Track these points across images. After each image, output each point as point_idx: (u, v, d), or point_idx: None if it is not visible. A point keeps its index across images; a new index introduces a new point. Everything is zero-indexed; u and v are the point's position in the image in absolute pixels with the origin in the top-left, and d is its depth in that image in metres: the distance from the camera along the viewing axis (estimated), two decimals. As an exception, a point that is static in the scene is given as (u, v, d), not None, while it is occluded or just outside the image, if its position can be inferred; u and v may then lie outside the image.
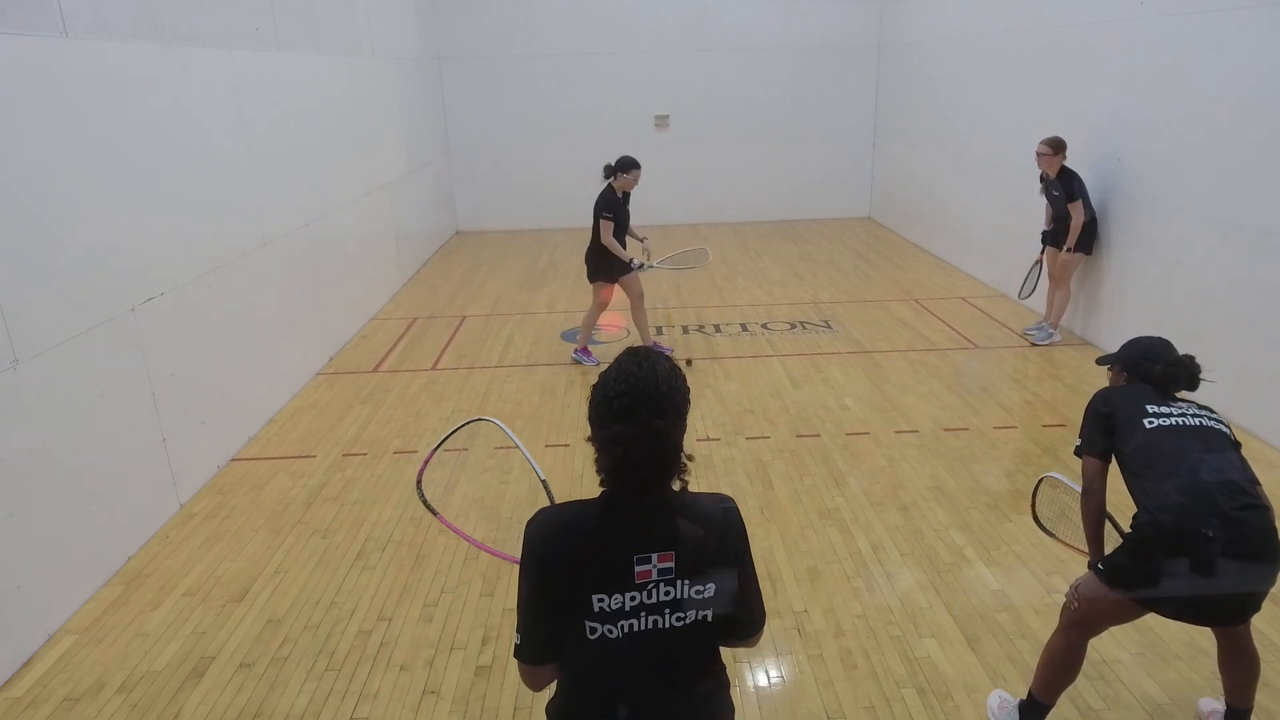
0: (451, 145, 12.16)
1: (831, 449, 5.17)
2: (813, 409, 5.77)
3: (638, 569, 1.64)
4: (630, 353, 1.67)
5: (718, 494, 1.78)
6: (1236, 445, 2.69)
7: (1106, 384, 3.00)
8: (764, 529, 4.30)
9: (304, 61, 6.72)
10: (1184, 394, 2.79)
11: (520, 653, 1.72)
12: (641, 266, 6.48)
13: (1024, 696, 2.95)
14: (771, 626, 3.56)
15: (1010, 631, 3.48)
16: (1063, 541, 3.16)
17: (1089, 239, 6.55)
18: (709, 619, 1.71)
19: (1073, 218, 6.42)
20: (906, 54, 11.12)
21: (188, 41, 4.94)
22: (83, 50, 3.99)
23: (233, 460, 5.22)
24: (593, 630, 1.66)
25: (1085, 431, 2.78)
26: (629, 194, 6.47)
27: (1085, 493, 2.77)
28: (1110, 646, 3.36)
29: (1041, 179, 6.72)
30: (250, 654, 3.49)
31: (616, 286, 6.53)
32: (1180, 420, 2.65)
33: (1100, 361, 3.02)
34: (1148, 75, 6.04)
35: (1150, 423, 2.65)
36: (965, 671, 3.28)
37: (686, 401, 1.65)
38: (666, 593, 1.66)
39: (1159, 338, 2.85)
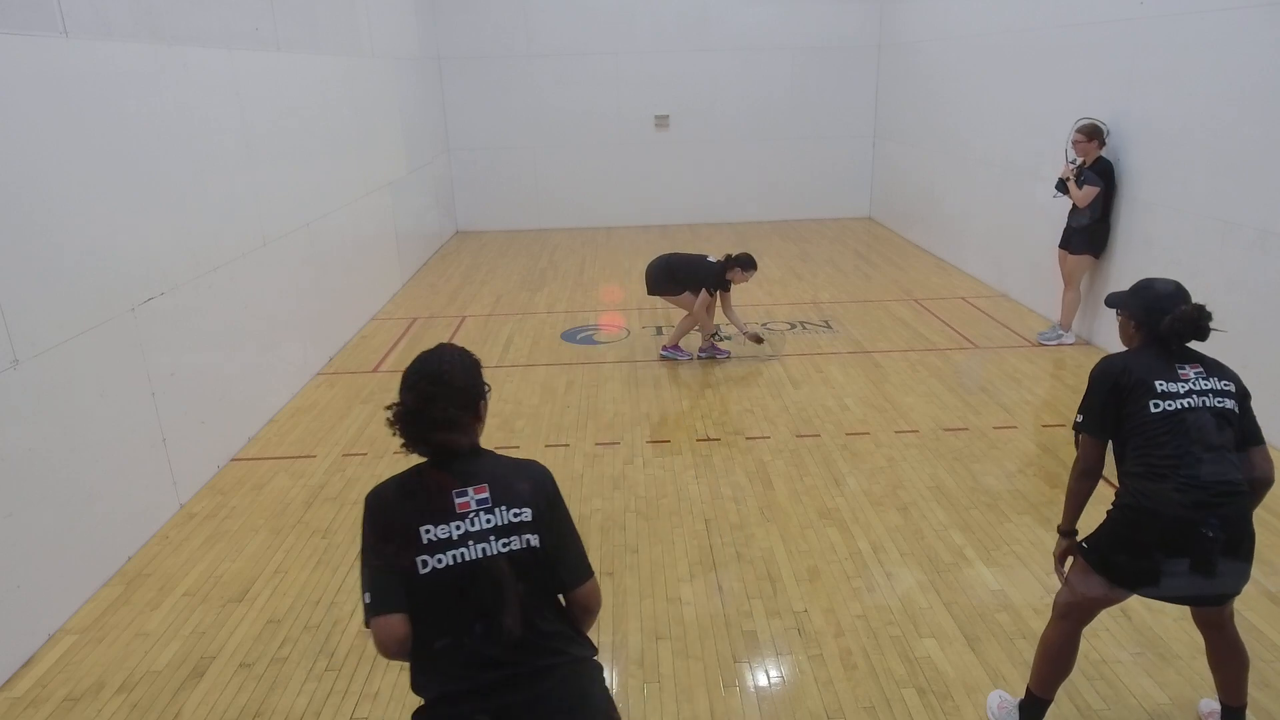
0: (451, 145, 12.16)
1: (831, 449, 5.17)
2: (813, 409, 5.77)
3: (457, 501, 1.91)
4: (434, 348, 2.07)
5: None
6: (1243, 410, 2.61)
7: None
8: (764, 529, 4.30)
9: (304, 61, 6.72)
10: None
11: (371, 608, 1.88)
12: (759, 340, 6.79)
13: (1024, 695, 2.95)
14: (771, 626, 3.56)
15: (1010, 631, 3.49)
16: None
17: (1100, 241, 6.53)
18: (536, 547, 1.92)
19: (1082, 193, 6.37)
20: (906, 54, 11.12)
21: (188, 41, 4.94)
22: (83, 50, 3.99)
23: (233, 460, 5.22)
24: (424, 564, 1.85)
25: (1090, 409, 2.67)
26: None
27: (1083, 473, 2.70)
28: (1110, 646, 3.36)
29: (1060, 179, 6.65)
30: (250, 654, 3.49)
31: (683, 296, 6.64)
32: (1186, 403, 2.54)
33: (1109, 302, 2.87)
34: (1148, 75, 6.04)
35: (1155, 406, 2.55)
36: (965, 671, 3.28)
37: (468, 376, 2.04)
38: (488, 520, 1.90)
39: (1171, 283, 2.70)
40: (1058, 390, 6.03)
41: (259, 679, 3.35)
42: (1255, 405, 2.45)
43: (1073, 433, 2.75)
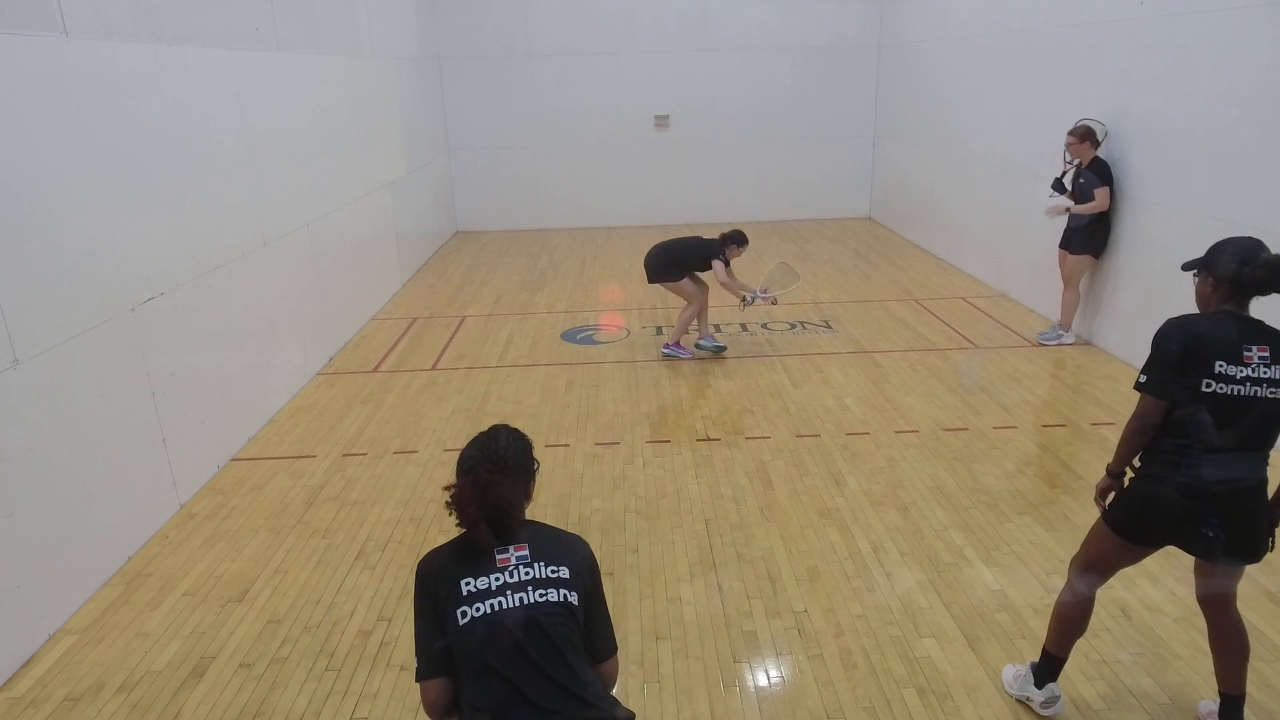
0: (451, 145, 12.16)
1: (831, 449, 5.17)
2: (813, 409, 5.77)
3: (498, 557, 2.00)
4: (488, 431, 2.12)
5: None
6: None
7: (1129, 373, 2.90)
8: (764, 529, 4.30)
9: (304, 61, 6.72)
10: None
11: (419, 672, 2.02)
12: (751, 301, 6.77)
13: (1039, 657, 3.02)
14: (771, 626, 3.56)
15: (1010, 631, 3.48)
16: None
17: (1100, 241, 6.53)
18: (573, 604, 2.00)
19: (1096, 199, 6.35)
20: (906, 54, 11.12)
21: (188, 41, 4.94)
22: (83, 50, 3.99)
23: (233, 460, 5.22)
24: (463, 614, 1.94)
25: (1153, 369, 2.62)
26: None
27: (1139, 430, 2.65)
28: (1110, 646, 3.36)
29: (1057, 178, 6.68)
30: (250, 654, 3.49)
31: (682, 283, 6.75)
32: (1239, 390, 2.50)
33: (1187, 265, 2.80)
34: (1148, 75, 6.04)
35: (1208, 386, 2.52)
36: (965, 671, 3.28)
37: (521, 458, 2.09)
38: (526, 572, 1.99)
39: (1250, 238, 2.64)
40: (1058, 390, 6.03)
41: (259, 679, 3.35)
42: None
43: (1136, 384, 2.69)
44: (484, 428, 2.16)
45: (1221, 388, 2.52)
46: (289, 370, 6.25)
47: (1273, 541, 2.68)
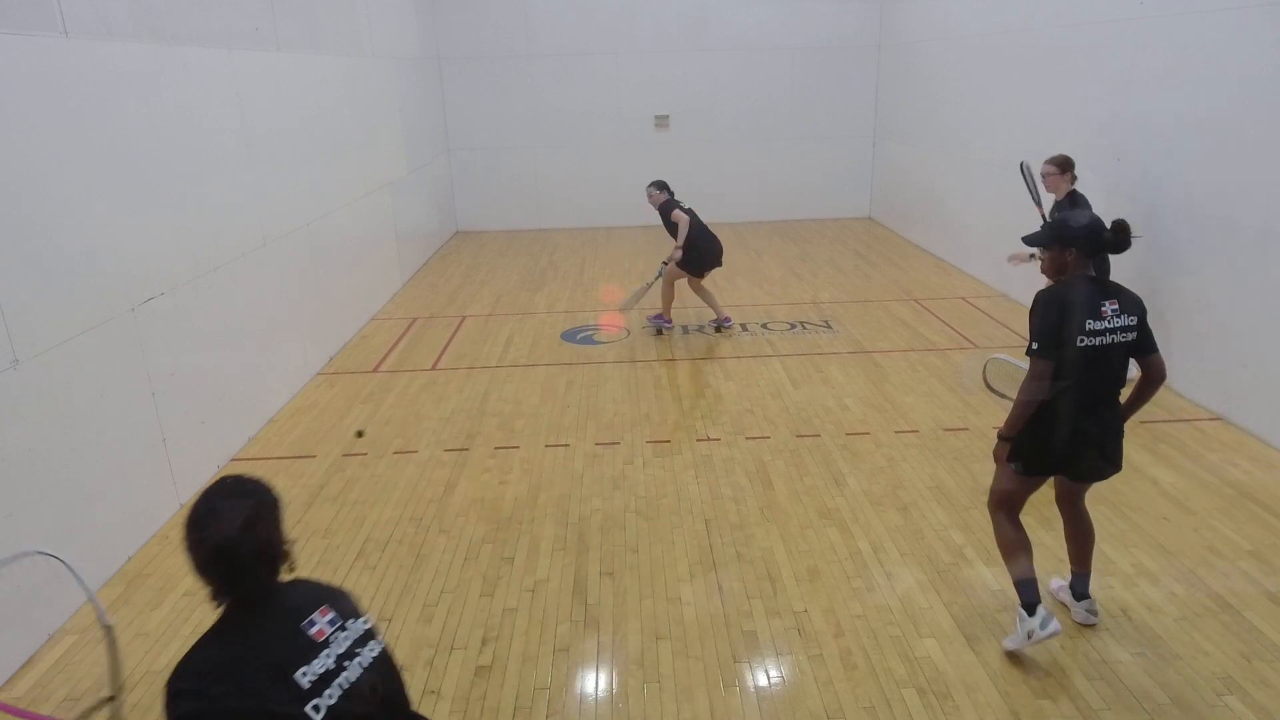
0: (451, 145, 12.16)
1: (831, 449, 5.17)
2: (813, 409, 5.77)
3: (311, 631, 1.71)
4: (218, 488, 1.80)
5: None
6: (1142, 329, 3.11)
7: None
8: (764, 529, 4.30)
9: (304, 61, 6.72)
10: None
11: None
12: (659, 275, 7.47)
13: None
14: (771, 626, 3.56)
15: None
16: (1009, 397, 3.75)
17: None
18: (388, 654, 1.82)
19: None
20: (906, 54, 11.12)
21: (188, 41, 4.94)
22: (83, 50, 3.99)
23: (233, 460, 5.22)
24: (317, 709, 1.64)
25: (1041, 337, 3.07)
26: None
27: (1038, 390, 3.09)
28: (1110, 646, 3.36)
29: (1036, 200, 6.35)
30: (250, 654, 3.49)
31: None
32: (1102, 340, 3.06)
33: (1037, 240, 3.24)
34: (1148, 75, 6.04)
35: (1082, 341, 3.04)
36: (965, 671, 3.28)
37: (266, 513, 1.84)
38: (345, 637, 1.75)
39: (1083, 210, 3.28)
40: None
41: (259, 679, 3.35)
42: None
43: (1028, 350, 3.12)
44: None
45: (1089, 340, 3.05)
46: (289, 370, 6.25)
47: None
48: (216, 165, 5.24)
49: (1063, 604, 3.59)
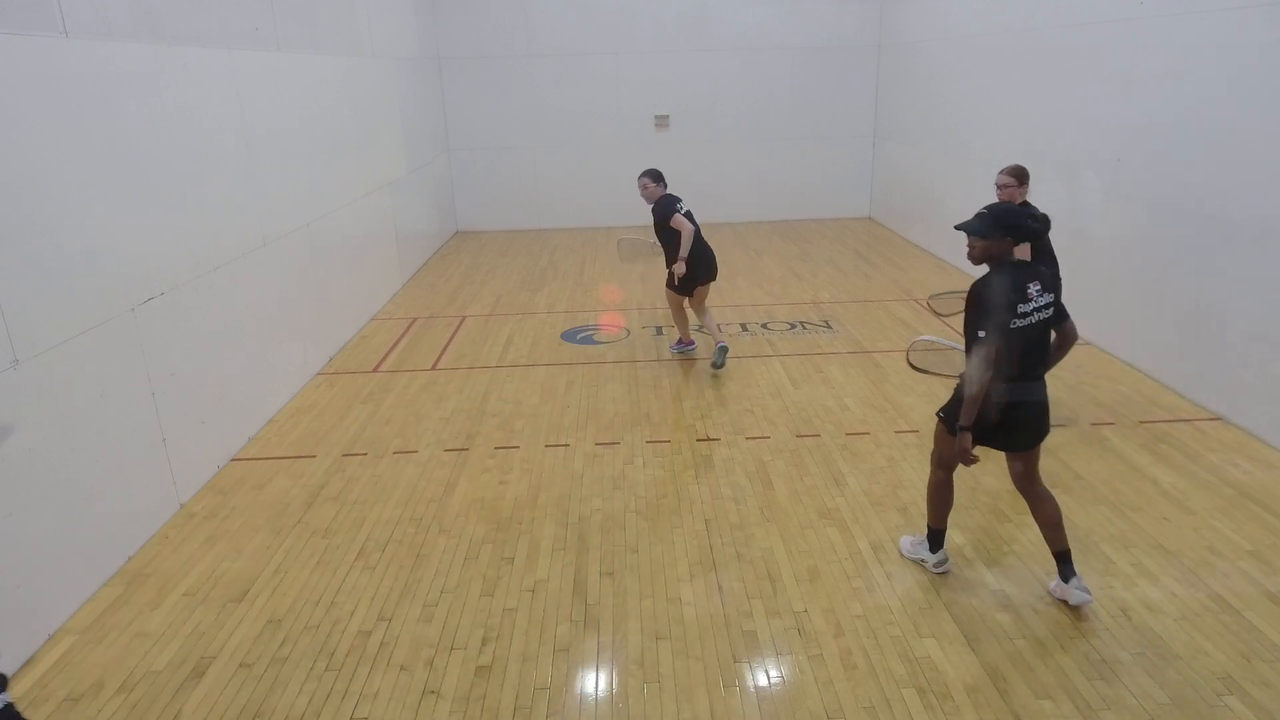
0: (451, 145, 12.16)
1: (831, 449, 5.17)
2: (813, 409, 5.77)
3: None
4: None
5: None
6: (1058, 303, 3.44)
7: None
8: (764, 529, 4.30)
9: (304, 61, 6.72)
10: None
11: None
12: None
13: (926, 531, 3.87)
14: (771, 626, 3.57)
15: (1010, 631, 3.48)
16: (934, 373, 4.42)
17: None
18: None
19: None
20: (906, 54, 11.12)
21: (188, 41, 4.94)
22: (83, 50, 3.99)
23: (233, 460, 5.22)
24: None
25: (994, 321, 3.30)
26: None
27: (989, 372, 3.30)
28: (1110, 646, 3.36)
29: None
30: (250, 654, 3.49)
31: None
32: (1031, 319, 3.33)
33: (970, 228, 3.40)
34: (1148, 75, 6.04)
35: (1015, 324, 3.30)
36: (965, 671, 3.28)
37: None
38: None
39: (1003, 203, 3.58)
40: (1057, 390, 6.02)
41: (259, 679, 3.35)
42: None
43: (979, 337, 3.34)
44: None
45: (1021, 322, 3.31)
46: (289, 370, 6.25)
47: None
48: (216, 165, 5.24)
49: (1063, 602, 3.64)
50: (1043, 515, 3.62)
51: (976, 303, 3.35)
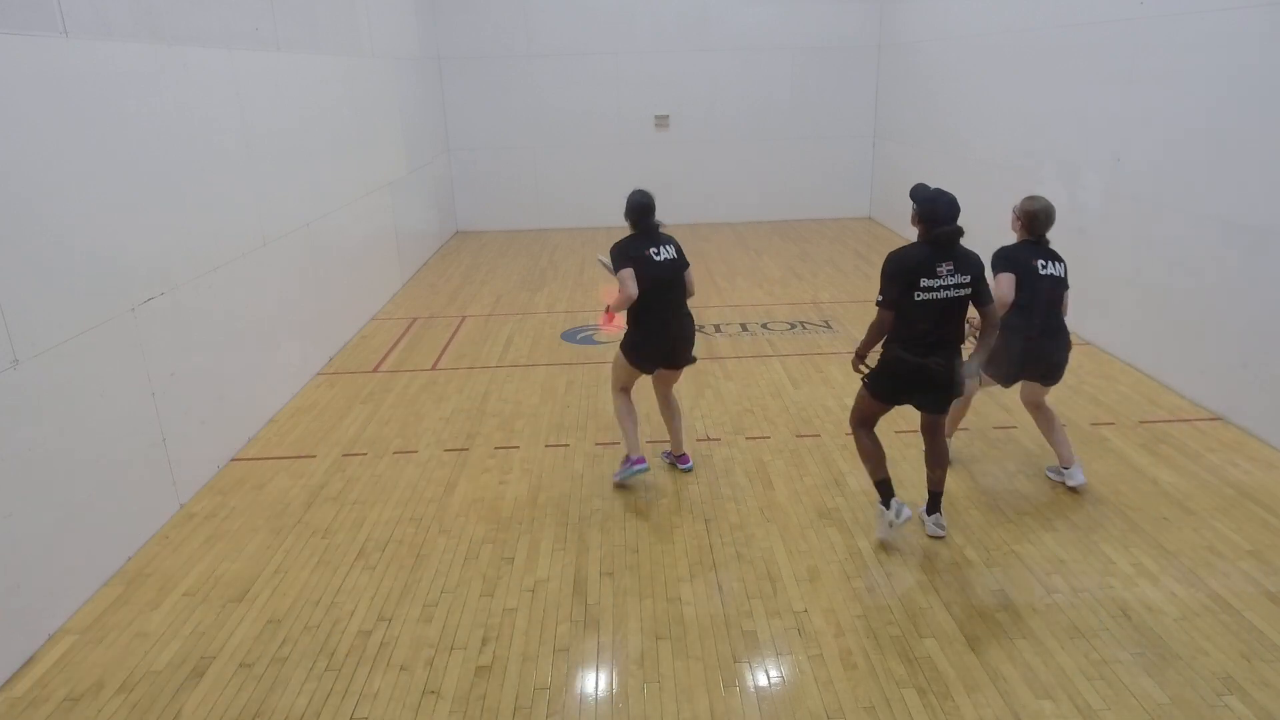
0: (451, 145, 12.16)
1: (831, 449, 5.17)
2: (813, 409, 5.77)
3: None
4: None
5: None
6: (977, 288, 3.75)
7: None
8: (764, 529, 4.30)
9: (304, 61, 6.72)
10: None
11: None
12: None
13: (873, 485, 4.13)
14: (771, 626, 3.56)
15: (1010, 631, 3.48)
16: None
17: (999, 358, 4.41)
18: None
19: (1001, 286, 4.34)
20: (906, 54, 11.12)
21: (188, 41, 4.94)
22: (83, 50, 3.99)
23: (233, 460, 5.22)
24: None
25: (888, 292, 3.76)
26: None
27: (881, 334, 3.91)
28: (1110, 646, 3.36)
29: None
30: (250, 654, 3.49)
31: None
32: (936, 295, 3.68)
33: (913, 194, 3.83)
34: (1148, 75, 6.04)
35: (919, 296, 3.68)
36: (965, 671, 3.28)
37: None
38: None
39: (945, 199, 3.73)
40: (1057, 390, 6.01)
41: (259, 679, 3.35)
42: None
43: (877, 301, 3.85)
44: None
45: (925, 295, 3.68)
46: (289, 370, 6.25)
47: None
48: (216, 165, 5.24)
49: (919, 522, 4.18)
50: (932, 458, 4.06)
51: (884, 270, 3.82)
